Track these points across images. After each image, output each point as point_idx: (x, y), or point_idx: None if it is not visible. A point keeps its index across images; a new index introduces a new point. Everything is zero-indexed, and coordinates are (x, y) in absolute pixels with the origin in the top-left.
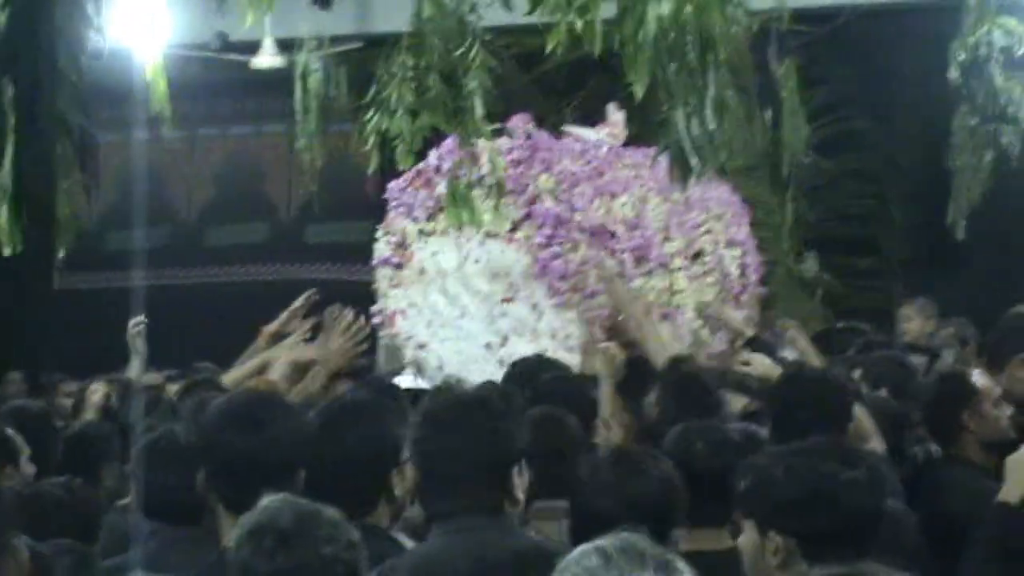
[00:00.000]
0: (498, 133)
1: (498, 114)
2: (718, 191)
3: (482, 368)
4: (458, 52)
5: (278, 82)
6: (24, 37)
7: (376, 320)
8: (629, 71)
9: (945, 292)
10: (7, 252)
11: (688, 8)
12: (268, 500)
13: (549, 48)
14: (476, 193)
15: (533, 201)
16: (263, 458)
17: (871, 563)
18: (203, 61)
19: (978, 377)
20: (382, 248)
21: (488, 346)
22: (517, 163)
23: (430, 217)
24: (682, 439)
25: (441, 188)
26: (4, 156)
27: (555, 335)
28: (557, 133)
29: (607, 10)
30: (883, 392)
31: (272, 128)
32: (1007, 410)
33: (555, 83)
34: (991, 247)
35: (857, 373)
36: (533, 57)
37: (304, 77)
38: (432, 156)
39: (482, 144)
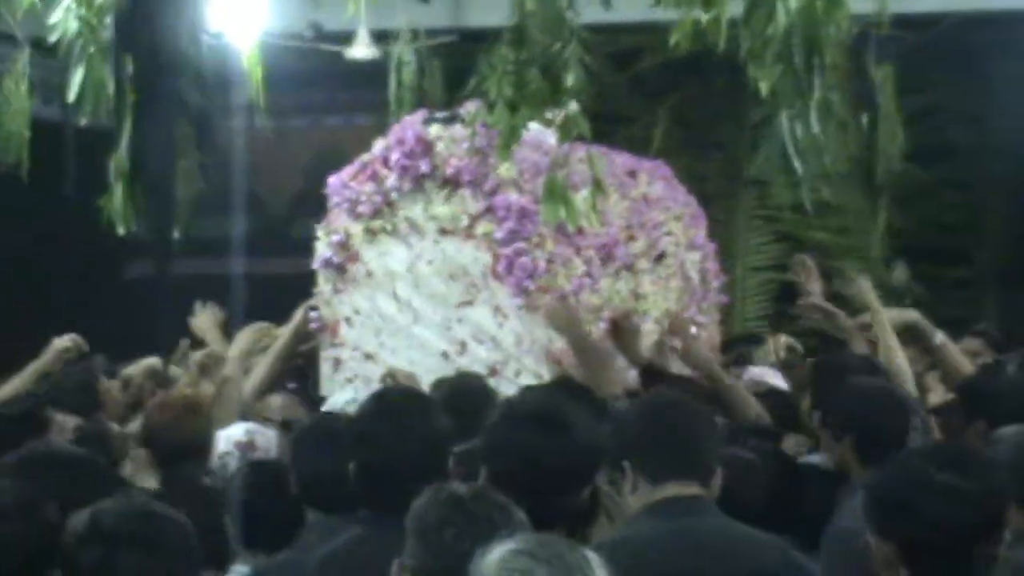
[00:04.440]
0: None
1: (592, 111)
2: (676, 190)
3: None
4: (557, 48)
5: (370, 74)
6: (144, 15)
7: (315, 327)
8: (755, 68)
9: None
10: (121, 231)
11: (817, 3)
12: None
13: (672, 42)
14: (429, 186)
15: (493, 193)
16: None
17: None
18: (296, 51)
19: None
20: (323, 249)
21: (445, 355)
22: (475, 152)
23: (376, 214)
24: None
25: (390, 182)
26: (122, 134)
27: (520, 341)
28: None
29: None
30: None
31: (363, 120)
32: None
33: (648, 83)
34: None
35: None
36: (627, 56)
37: (399, 69)
38: (378, 146)
39: (434, 132)
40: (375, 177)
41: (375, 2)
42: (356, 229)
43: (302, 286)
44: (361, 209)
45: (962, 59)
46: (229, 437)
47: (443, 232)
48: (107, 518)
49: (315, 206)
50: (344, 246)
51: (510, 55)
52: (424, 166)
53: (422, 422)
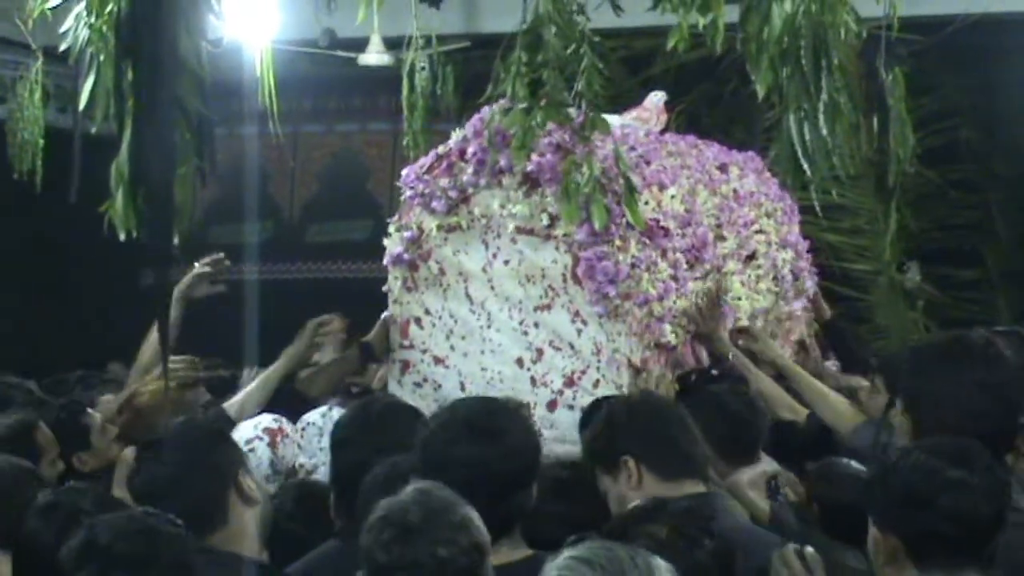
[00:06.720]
0: None
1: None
2: (769, 184)
3: (512, 387)
4: (569, 52)
5: (384, 80)
6: (146, 21)
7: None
8: (753, 70)
9: None
10: (122, 236)
11: (812, 6)
12: (409, 489)
13: (670, 46)
14: (507, 182)
15: None
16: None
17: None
18: (310, 57)
19: None
20: (394, 244)
21: (519, 362)
22: (556, 148)
23: (451, 210)
24: None
25: (466, 176)
26: (122, 140)
27: (599, 350)
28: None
29: (730, 13)
30: None
31: (377, 126)
32: None
33: (661, 87)
34: None
35: None
36: (640, 61)
37: (412, 75)
38: (454, 138)
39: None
40: (451, 170)
41: (388, 9)
42: (430, 224)
43: (317, 291)
44: (435, 204)
45: (972, 61)
46: (259, 424)
47: (520, 231)
48: (103, 535)
49: (329, 211)
50: (416, 242)
51: (524, 58)
52: (503, 160)
53: (404, 434)
